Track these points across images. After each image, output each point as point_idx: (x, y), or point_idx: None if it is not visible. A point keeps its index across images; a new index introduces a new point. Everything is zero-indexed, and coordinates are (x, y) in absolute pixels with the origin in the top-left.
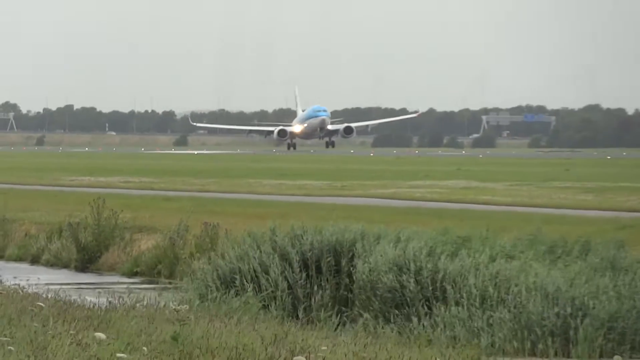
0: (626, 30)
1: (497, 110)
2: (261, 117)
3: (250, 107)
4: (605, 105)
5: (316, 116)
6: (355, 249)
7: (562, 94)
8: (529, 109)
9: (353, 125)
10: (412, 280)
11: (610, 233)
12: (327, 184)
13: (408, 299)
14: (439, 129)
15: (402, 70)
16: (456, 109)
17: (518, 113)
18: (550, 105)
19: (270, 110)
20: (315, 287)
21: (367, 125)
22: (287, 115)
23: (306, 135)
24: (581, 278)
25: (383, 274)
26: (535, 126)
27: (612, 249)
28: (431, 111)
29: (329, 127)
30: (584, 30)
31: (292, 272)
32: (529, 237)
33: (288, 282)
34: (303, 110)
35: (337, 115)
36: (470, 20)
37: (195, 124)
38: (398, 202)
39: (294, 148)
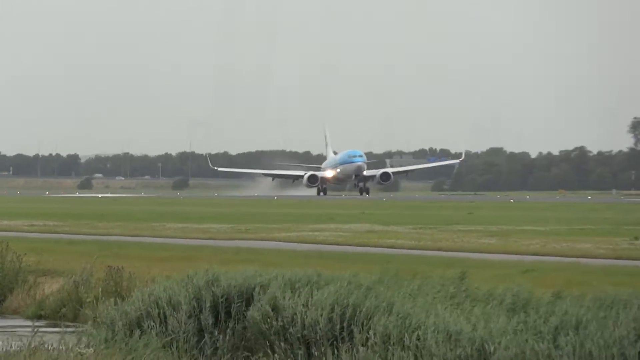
0: (527, 75)
1: (400, 153)
2: (165, 160)
3: (154, 151)
4: (508, 148)
5: (351, 162)
6: (258, 293)
7: (466, 137)
8: (432, 152)
9: (390, 170)
10: (322, 322)
11: (514, 277)
12: (231, 227)
13: (316, 341)
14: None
15: (304, 113)
16: None
17: (422, 156)
18: (454, 149)
19: (174, 153)
20: (219, 330)
21: (406, 171)
22: (190, 158)
23: (338, 181)
24: (484, 320)
25: (292, 316)
26: (439, 169)
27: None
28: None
29: (364, 172)
30: (488, 75)
31: (202, 315)
32: (435, 280)
33: (197, 324)
34: (335, 153)
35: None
36: (379, 64)
37: (216, 168)
38: (301, 245)
39: (324, 194)
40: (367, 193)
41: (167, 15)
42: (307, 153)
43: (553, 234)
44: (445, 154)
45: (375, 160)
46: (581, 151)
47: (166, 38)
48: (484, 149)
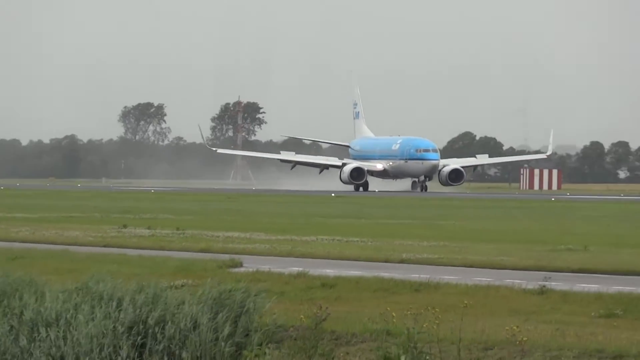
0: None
1: None
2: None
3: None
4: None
5: (422, 159)
6: None
7: None
8: None
9: (461, 166)
10: None
11: (2, 264)
12: None
13: None
14: None
15: None
16: None
17: None
18: None
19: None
20: None
21: (475, 166)
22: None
23: (390, 175)
24: None
25: None
26: None
27: None
28: None
29: None
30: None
31: None
32: None
33: None
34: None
35: None
36: None
37: (214, 149)
38: None
39: (365, 189)
40: (425, 190)
41: None
42: None
43: (43, 221)
44: None
45: None
46: (72, 140)
47: None
48: None
